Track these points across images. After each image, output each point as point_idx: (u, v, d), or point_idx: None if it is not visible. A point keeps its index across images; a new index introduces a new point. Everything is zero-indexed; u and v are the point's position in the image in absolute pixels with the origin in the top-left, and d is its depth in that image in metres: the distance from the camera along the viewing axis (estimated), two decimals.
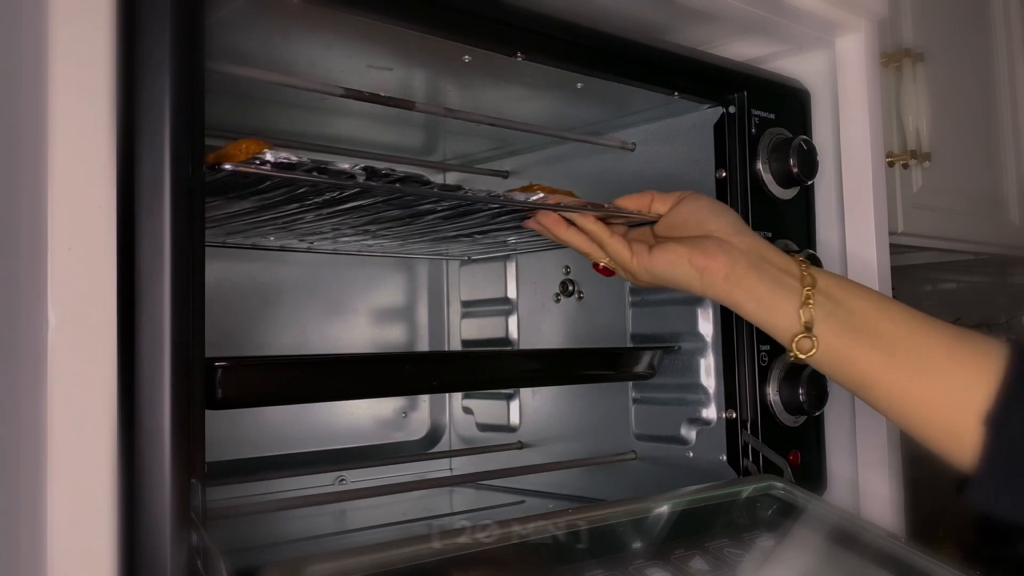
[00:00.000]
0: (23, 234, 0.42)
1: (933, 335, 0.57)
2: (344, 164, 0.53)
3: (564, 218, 0.66)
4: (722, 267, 0.60)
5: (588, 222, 0.65)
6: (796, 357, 0.58)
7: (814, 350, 0.58)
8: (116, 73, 0.43)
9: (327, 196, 0.58)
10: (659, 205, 0.66)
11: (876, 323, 0.57)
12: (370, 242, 0.83)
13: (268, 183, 0.52)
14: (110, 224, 0.42)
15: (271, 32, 0.59)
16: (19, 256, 0.42)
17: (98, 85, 0.42)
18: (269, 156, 0.49)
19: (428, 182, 0.58)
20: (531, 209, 0.65)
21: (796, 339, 0.58)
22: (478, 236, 0.79)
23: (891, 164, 1.17)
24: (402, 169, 0.94)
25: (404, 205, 0.62)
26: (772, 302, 0.59)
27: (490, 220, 0.69)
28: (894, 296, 0.86)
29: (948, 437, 0.55)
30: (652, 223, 0.67)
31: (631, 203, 0.66)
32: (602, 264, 0.67)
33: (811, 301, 0.58)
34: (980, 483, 0.53)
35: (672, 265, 0.62)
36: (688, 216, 0.64)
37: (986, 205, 1.31)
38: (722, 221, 0.63)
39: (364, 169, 0.54)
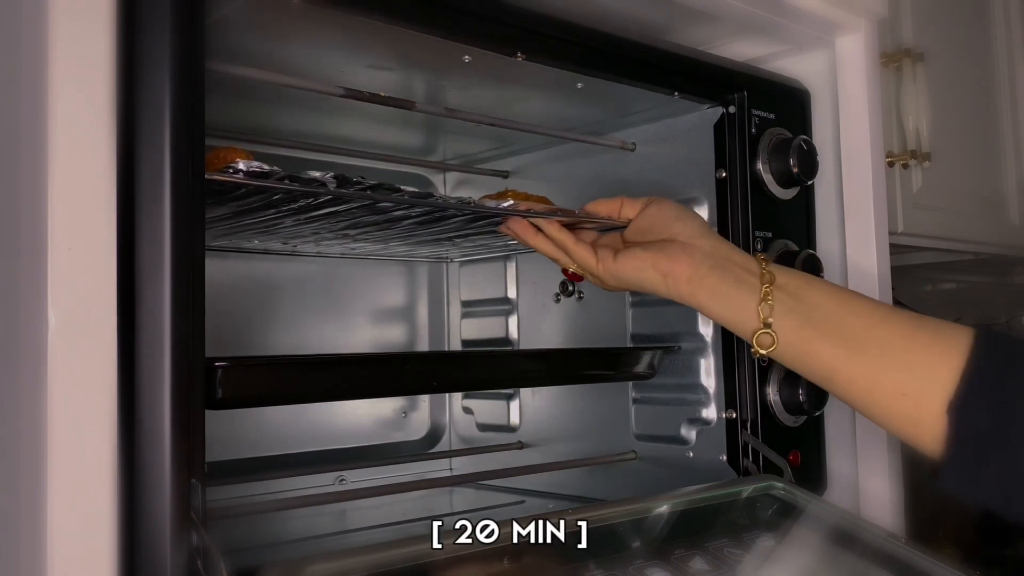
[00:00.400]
0: (23, 234, 0.42)
1: (895, 326, 0.57)
2: (316, 172, 0.55)
3: (533, 224, 0.67)
4: (685, 270, 0.61)
5: (553, 229, 0.67)
6: (757, 352, 0.60)
7: (774, 346, 0.59)
8: (116, 73, 0.43)
9: (301, 203, 0.59)
10: (628, 210, 0.67)
11: (837, 317, 0.58)
12: (352, 245, 0.84)
13: (243, 191, 0.53)
14: (110, 224, 0.42)
15: (271, 32, 0.59)
16: (19, 256, 0.42)
17: (98, 85, 0.42)
18: (242, 165, 0.51)
19: (398, 189, 0.59)
20: (502, 215, 0.66)
21: (756, 335, 0.59)
22: (457, 240, 0.79)
23: (891, 164, 1.17)
24: (403, 169, 0.96)
25: (379, 211, 0.64)
26: (734, 301, 0.60)
27: (466, 225, 0.70)
28: (894, 296, 0.86)
29: (915, 426, 0.56)
30: (621, 228, 0.68)
31: (602, 208, 0.68)
32: (570, 270, 0.69)
33: (769, 298, 0.59)
34: (947, 470, 0.54)
35: (637, 271, 0.63)
36: (654, 220, 0.65)
37: (986, 205, 1.31)
38: (686, 224, 0.64)
39: (335, 177, 0.55)
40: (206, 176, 0.46)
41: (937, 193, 1.20)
